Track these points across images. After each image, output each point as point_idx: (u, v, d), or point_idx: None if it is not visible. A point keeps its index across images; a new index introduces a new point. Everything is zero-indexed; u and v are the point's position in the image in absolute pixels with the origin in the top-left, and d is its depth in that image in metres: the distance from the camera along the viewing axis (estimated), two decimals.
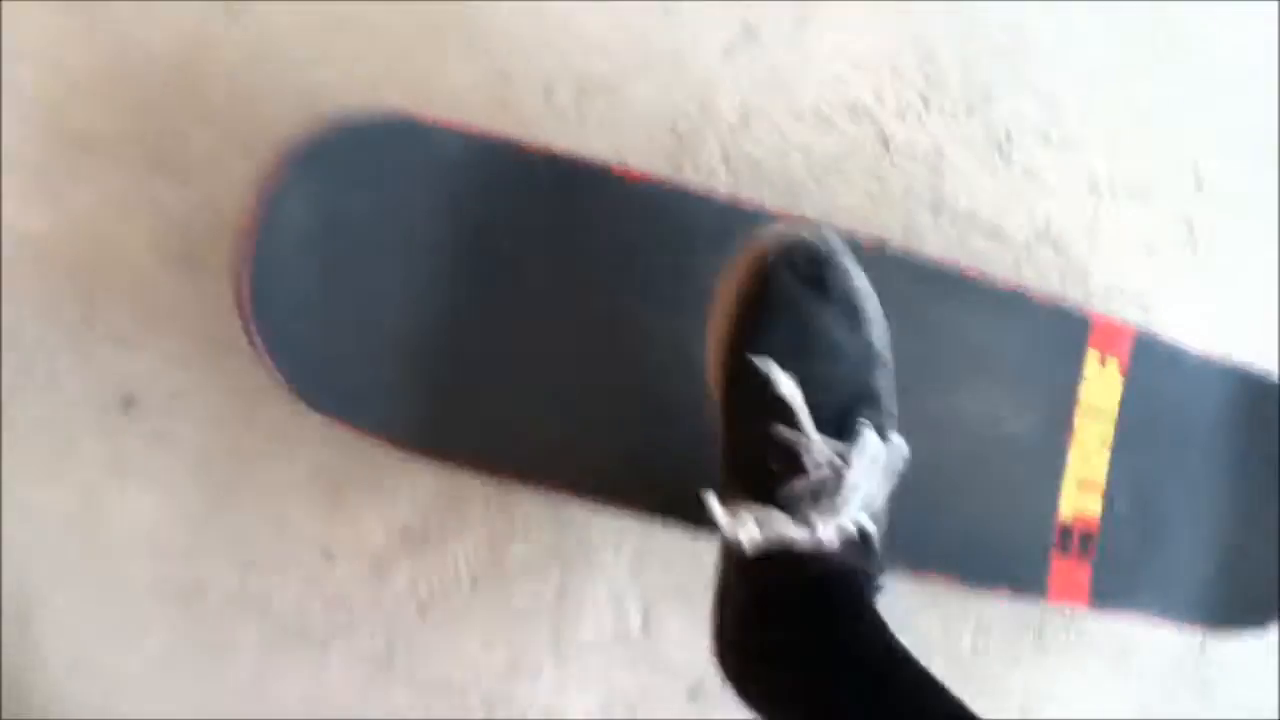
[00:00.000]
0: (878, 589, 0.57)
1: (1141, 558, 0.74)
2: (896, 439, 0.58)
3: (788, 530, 0.54)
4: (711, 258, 0.68)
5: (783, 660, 0.55)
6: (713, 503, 0.56)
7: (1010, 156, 0.83)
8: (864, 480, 0.56)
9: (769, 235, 0.62)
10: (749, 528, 0.55)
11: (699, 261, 0.69)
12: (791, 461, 0.56)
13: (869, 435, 0.56)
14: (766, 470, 0.57)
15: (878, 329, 0.62)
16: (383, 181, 0.69)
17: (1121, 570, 0.73)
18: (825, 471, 0.55)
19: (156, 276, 0.80)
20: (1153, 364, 0.73)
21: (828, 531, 0.54)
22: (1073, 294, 0.81)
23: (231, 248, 0.69)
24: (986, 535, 0.71)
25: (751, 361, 0.58)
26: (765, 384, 0.57)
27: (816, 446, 0.56)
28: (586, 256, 0.70)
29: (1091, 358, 0.73)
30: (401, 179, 0.69)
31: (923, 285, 0.71)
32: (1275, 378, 0.76)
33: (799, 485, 0.55)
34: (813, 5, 0.83)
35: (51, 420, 0.81)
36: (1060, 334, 0.72)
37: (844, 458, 0.55)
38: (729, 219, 0.70)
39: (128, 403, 0.81)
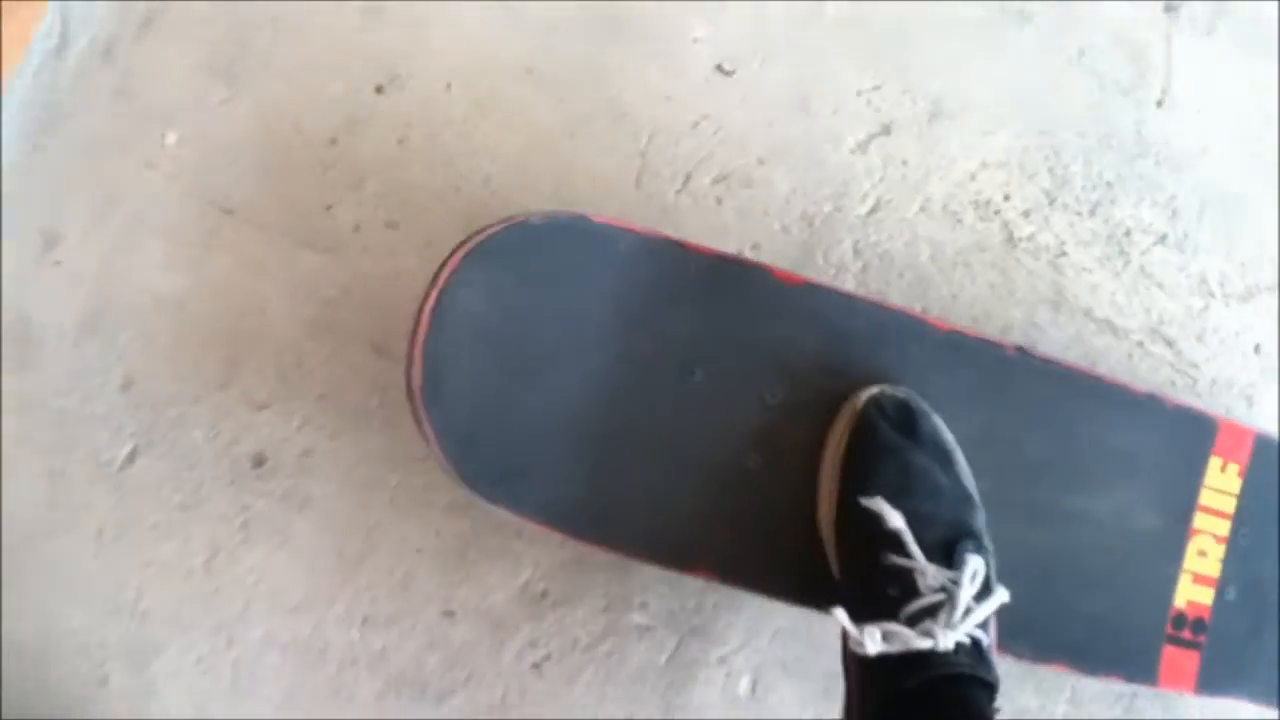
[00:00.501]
0: (994, 696, 0.61)
1: (1248, 647, 0.76)
2: (999, 589, 0.64)
3: (910, 640, 0.60)
4: (862, 357, 0.72)
5: None
6: (843, 617, 0.62)
7: (1128, 255, 0.85)
8: (970, 598, 0.62)
9: (864, 395, 0.70)
10: (875, 639, 0.60)
11: (851, 361, 0.72)
12: (907, 586, 0.62)
13: (974, 560, 0.63)
14: (887, 597, 0.63)
15: (967, 474, 0.69)
16: (554, 276, 0.71)
17: (1229, 658, 0.76)
18: (938, 594, 0.62)
19: (295, 344, 0.82)
20: (1270, 464, 0.76)
21: (946, 639, 0.60)
22: (1181, 385, 0.83)
23: (408, 335, 0.70)
24: (1107, 626, 0.74)
25: (861, 503, 0.65)
26: (877, 521, 0.64)
27: (929, 571, 0.62)
28: (739, 350, 0.72)
29: (1214, 463, 0.76)
30: (572, 275, 0.71)
31: (1062, 388, 0.74)
32: None
33: (915, 605, 0.62)
34: (945, 102, 0.84)
35: (182, 477, 0.81)
36: (1188, 438, 0.75)
37: (955, 580, 0.62)
38: (879, 320, 0.72)
39: (258, 461, 0.82)
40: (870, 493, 0.66)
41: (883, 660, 0.61)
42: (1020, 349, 0.74)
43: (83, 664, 0.81)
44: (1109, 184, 0.85)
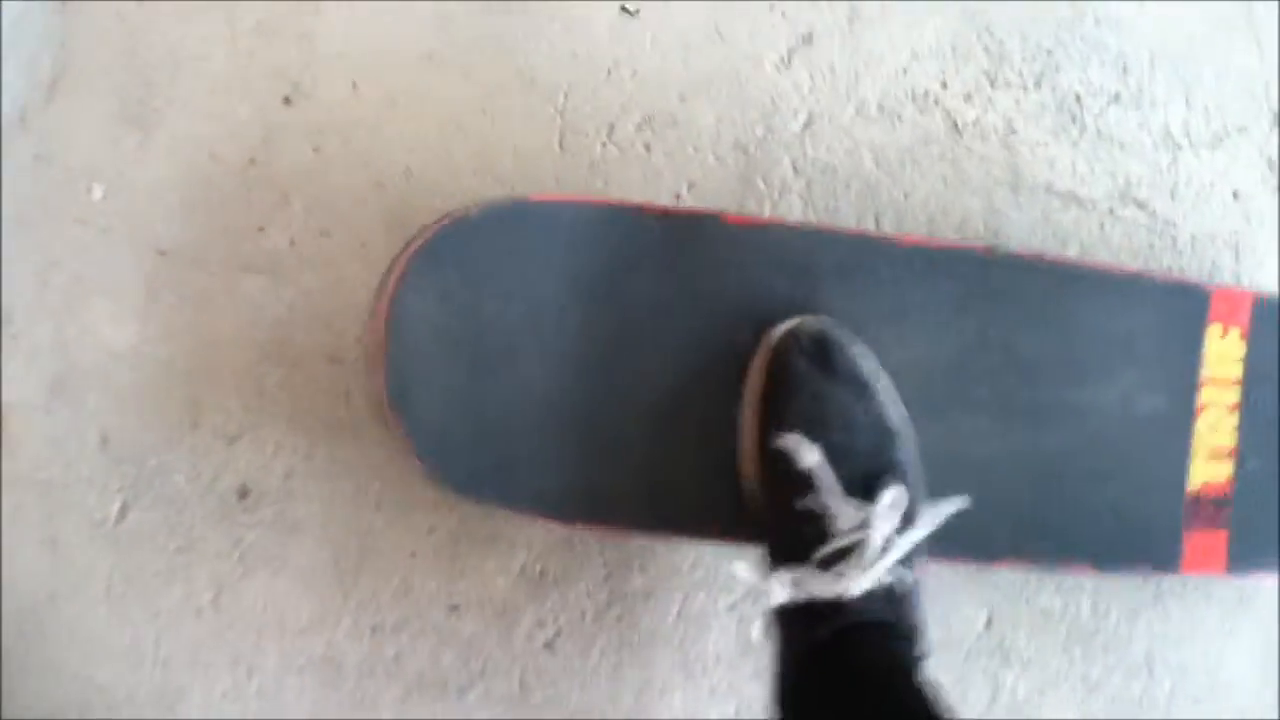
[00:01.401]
0: (911, 642, 0.58)
1: (1278, 514, 0.72)
2: (930, 509, 0.61)
3: (816, 585, 0.57)
4: (831, 288, 0.68)
5: (814, 714, 0.57)
6: (740, 567, 0.60)
7: (1083, 121, 0.79)
8: (889, 539, 0.59)
9: (778, 331, 0.67)
10: (778, 587, 0.58)
11: (820, 293, 0.68)
12: (821, 527, 0.60)
13: (891, 492, 0.59)
14: (801, 540, 0.60)
15: (891, 404, 0.66)
16: (503, 266, 0.68)
17: (1258, 532, 0.71)
18: (854, 534, 0.59)
19: (255, 370, 0.79)
20: (1272, 323, 0.71)
21: (856, 586, 0.57)
22: (1161, 246, 0.79)
23: (364, 348, 0.68)
24: (1121, 519, 0.70)
25: (777, 442, 0.62)
26: (792, 460, 0.61)
27: (843, 510, 0.59)
28: (707, 305, 0.68)
29: (1213, 332, 0.71)
30: (521, 260, 0.68)
31: (1045, 281, 0.69)
32: None
33: (828, 548, 0.59)
34: (863, 3, 0.79)
35: (172, 522, 0.80)
36: (1181, 311, 0.71)
37: (868, 519, 0.58)
38: (841, 247, 0.69)
39: (243, 493, 0.80)
40: (784, 430, 0.63)
41: (796, 610, 0.58)
42: (989, 248, 0.70)
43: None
44: (1049, 52, 0.79)
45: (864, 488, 0.60)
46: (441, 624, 0.79)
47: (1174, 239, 0.78)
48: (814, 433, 0.62)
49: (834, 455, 0.61)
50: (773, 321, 0.67)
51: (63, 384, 0.81)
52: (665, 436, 0.69)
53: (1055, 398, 0.70)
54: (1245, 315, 0.71)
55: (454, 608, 0.79)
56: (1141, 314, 0.70)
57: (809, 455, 0.61)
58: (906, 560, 0.59)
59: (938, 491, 0.64)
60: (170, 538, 0.80)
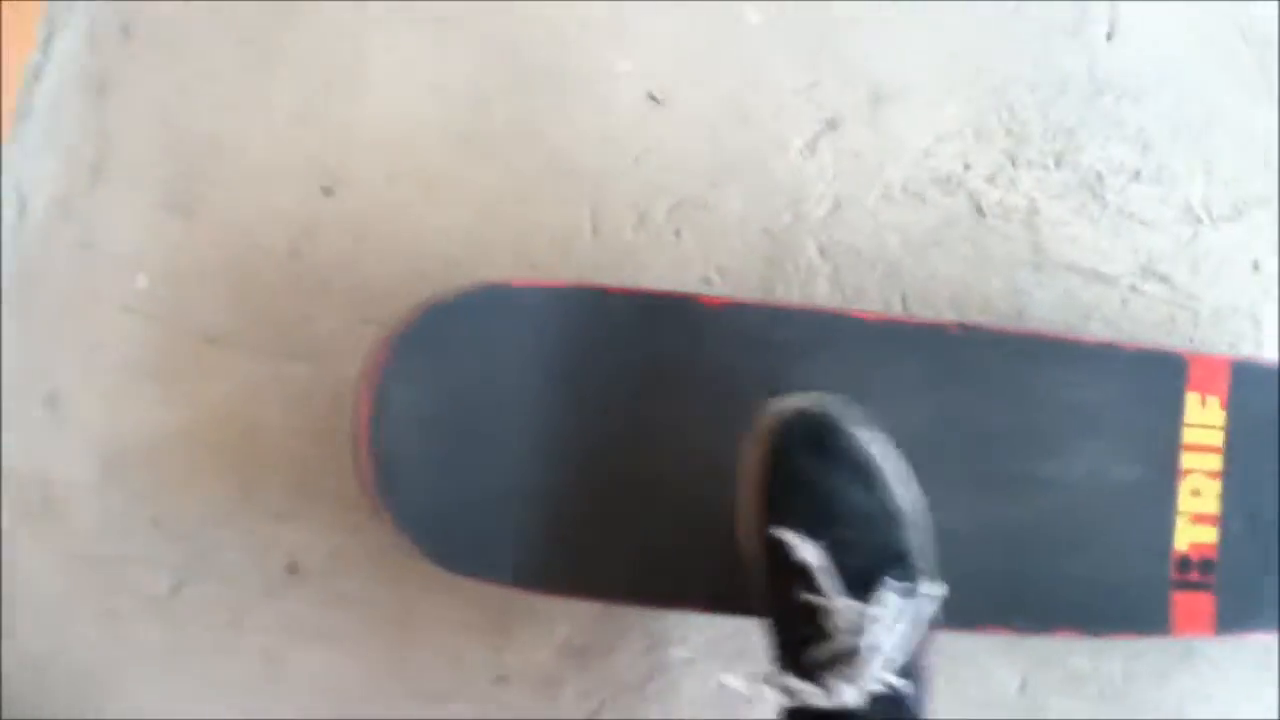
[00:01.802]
0: None
1: (1264, 579, 0.72)
2: (928, 588, 0.59)
3: (809, 698, 0.56)
4: (802, 366, 0.70)
5: None
6: (729, 678, 0.59)
7: (1104, 199, 0.80)
8: (887, 640, 0.57)
9: (773, 412, 0.64)
10: (765, 696, 0.57)
11: (792, 371, 0.69)
12: (818, 627, 0.57)
13: (888, 596, 0.57)
14: (798, 637, 0.58)
15: (894, 486, 0.63)
16: (482, 349, 0.71)
17: (1244, 593, 0.72)
18: (850, 637, 0.57)
19: (302, 453, 0.81)
20: (1252, 388, 0.71)
21: (850, 696, 0.55)
22: (1183, 319, 0.80)
23: (349, 433, 0.71)
24: (1104, 584, 0.71)
25: (771, 532, 0.60)
26: (789, 553, 0.59)
27: (839, 610, 0.57)
28: (681, 383, 0.70)
29: (1192, 400, 0.71)
30: (498, 343, 0.71)
31: (1014, 356, 0.70)
32: None
33: (823, 650, 0.57)
34: (886, 84, 0.80)
35: (223, 596, 0.83)
36: (1158, 380, 0.71)
37: (864, 621, 0.57)
38: (811, 325, 0.70)
39: (292, 569, 0.82)
40: (782, 524, 0.60)
41: (801, 712, 0.56)
42: (963, 326, 0.71)
43: None
44: (1070, 131, 0.80)
45: (865, 584, 0.58)
46: (489, 694, 0.81)
47: (1196, 312, 0.79)
48: (814, 528, 0.60)
49: (835, 550, 0.59)
50: (746, 399, 0.68)
51: (113, 464, 0.83)
52: (644, 512, 0.71)
53: (1026, 470, 0.71)
54: (1224, 382, 0.72)
55: (502, 678, 0.81)
56: (1114, 384, 0.71)
57: (804, 551, 0.59)
58: (910, 659, 0.58)
59: None
60: (222, 611, 0.82)
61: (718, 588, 0.70)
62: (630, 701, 0.80)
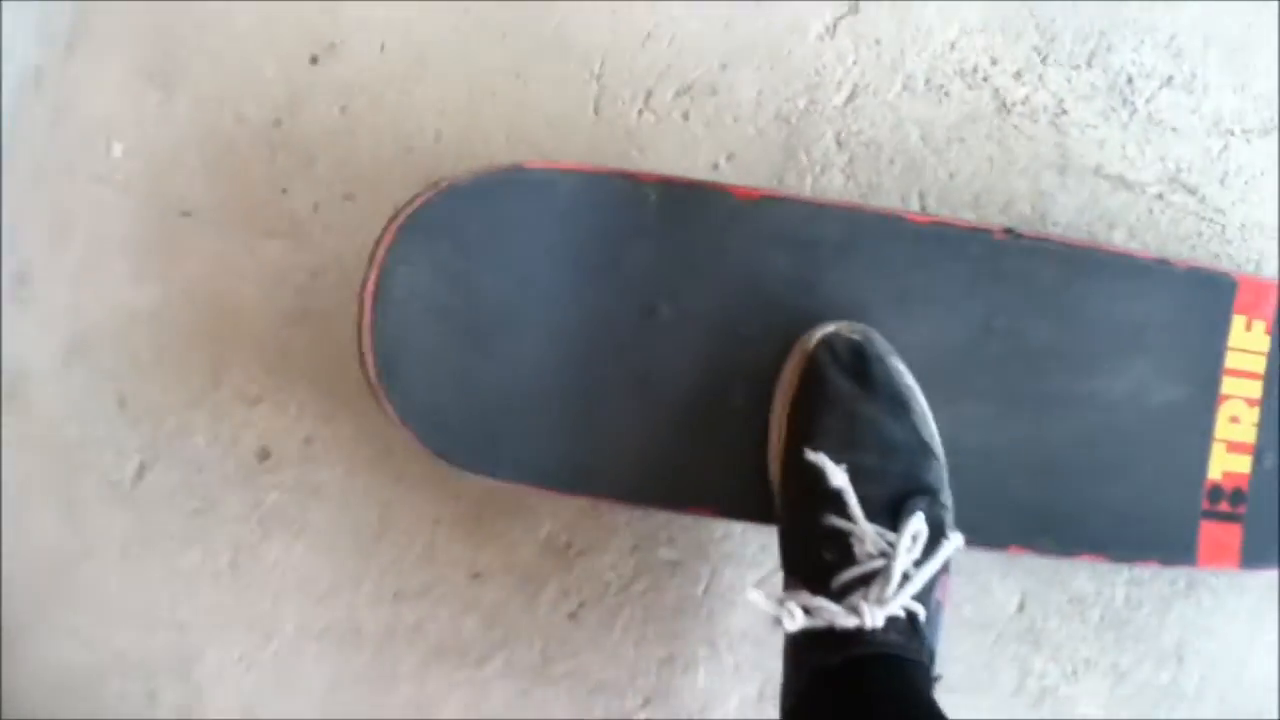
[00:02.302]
0: (926, 672, 0.56)
1: (1267, 515, 0.68)
2: (954, 534, 0.58)
3: (834, 617, 0.55)
4: (837, 268, 0.65)
5: None
6: (755, 595, 0.57)
7: (1133, 104, 0.76)
8: (909, 566, 0.56)
9: (815, 336, 0.63)
10: (795, 615, 0.55)
11: (824, 274, 0.65)
12: (844, 551, 0.57)
13: (915, 522, 0.57)
14: (823, 561, 0.57)
15: (925, 422, 0.63)
16: (495, 236, 0.65)
17: (1272, 526, 0.70)
18: (876, 560, 0.56)
19: (276, 334, 0.77)
20: None
21: (874, 618, 0.54)
22: (1209, 234, 0.76)
23: (353, 317, 0.65)
24: (1135, 510, 0.68)
25: (805, 457, 0.59)
26: (820, 477, 0.58)
27: (868, 535, 0.56)
28: (707, 281, 0.66)
29: (1238, 323, 0.67)
30: (514, 230, 0.65)
31: (1061, 266, 0.66)
32: None
33: (850, 574, 0.56)
34: None
35: (193, 483, 0.78)
36: (1205, 301, 0.67)
37: (893, 545, 0.56)
38: (849, 223, 0.65)
39: (263, 456, 0.77)
40: (814, 445, 0.59)
41: (809, 632, 0.55)
42: (1008, 230, 0.66)
43: (133, 683, 0.79)
44: (1102, 32, 0.75)
45: (891, 512, 0.58)
46: (464, 592, 0.77)
47: (1223, 226, 0.75)
48: (844, 452, 0.59)
49: (863, 477, 0.58)
50: (777, 300, 0.65)
51: (80, 344, 0.78)
52: (660, 415, 0.66)
53: (1064, 387, 0.67)
54: (1271, 308, 0.68)
55: (476, 575, 0.77)
56: (1163, 302, 0.67)
57: (837, 477, 0.58)
58: (927, 589, 0.57)
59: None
60: (188, 499, 0.78)
61: (731, 496, 0.67)
62: (612, 602, 0.77)
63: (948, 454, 0.65)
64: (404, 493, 0.77)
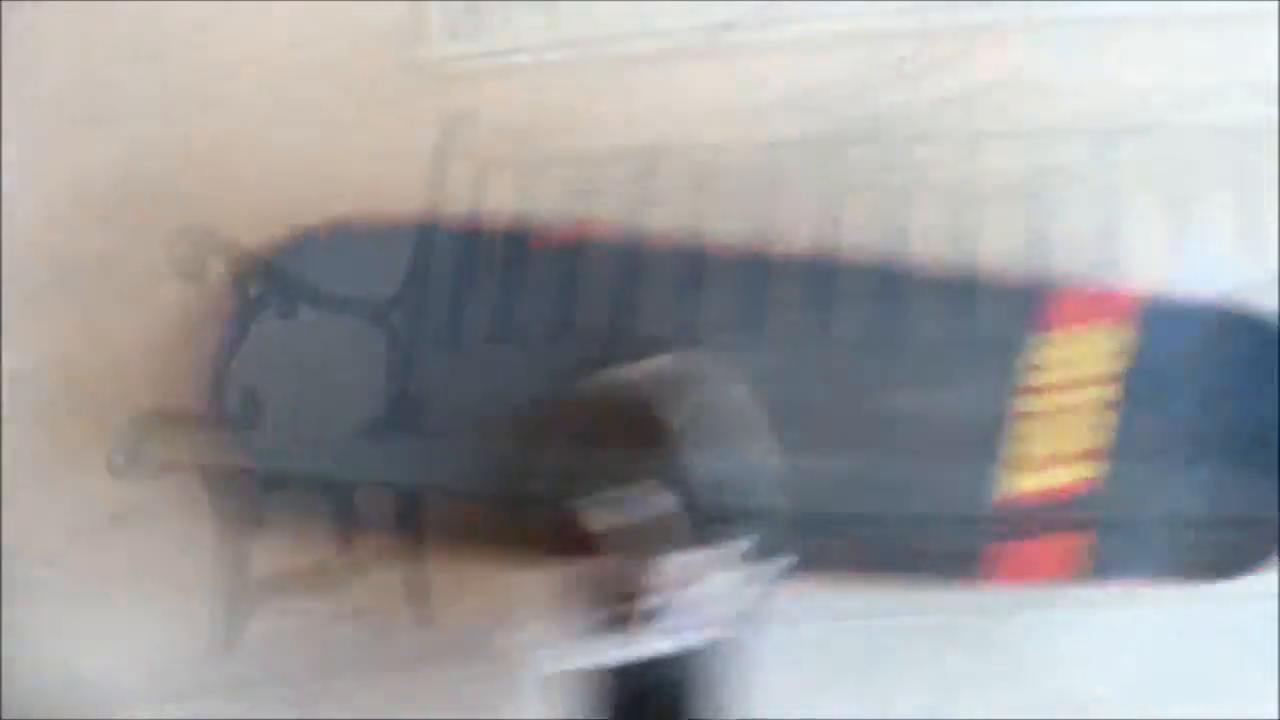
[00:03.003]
0: (711, 703, 0.57)
1: (1128, 523, 0.69)
2: (771, 551, 0.60)
3: (604, 654, 0.55)
4: (654, 304, 0.68)
5: None
6: (516, 635, 0.59)
7: None
8: (708, 598, 0.57)
9: (626, 371, 0.65)
10: (556, 659, 0.56)
11: (645, 309, 0.68)
12: (640, 581, 0.57)
13: (725, 551, 0.58)
14: (613, 594, 0.58)
15: (752, 445, 0.64)
16: (321, 289, 0.71)
17: (1109, 537, 0.70)
18: (672, 590, 0.57)
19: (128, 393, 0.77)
20: (1112, 321, 0.69)
21: (660, 647, 0.55)
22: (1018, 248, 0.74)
23: (192, 373, 0.70)
24: (937, 530, 0.69)
25: (605, 489, 0.59)
26: (617, 512, 0.59)
27: (668, 566, 0.57)
28: (527, 323, 0.69)
29: (1046, 337, 0.69)
30: (339, 283, 0.70)
31: (869, 286, 0.69)
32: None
33: (644, 604, 0.57)
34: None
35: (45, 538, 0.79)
36: (1011, 314, 0.69)
37: (691, 574, 0.57)
38: (660, 258, 0.68)
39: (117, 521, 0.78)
40: (618, 481, 0.60)
41: (592, 670, 0.56)
42: (815, 252, 0.69)
43: None
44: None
45: (705, 537, 0.59)
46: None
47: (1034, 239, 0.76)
48: (658, 483, 0.60)
49: (678, 503, 0.59)
50: (586, 342, 0.67)
51: None
52: (468, 463, 0.69)
53: (873, 407, 0.69)
54: (1093, 314, 0.69)
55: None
56: (964, 317, 0.69)
57: (647, 506, 0.59)
58: (740, 612, 0.58)
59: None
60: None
61: (525, 540, 0.67)
62: None
63: (759, 481, 0.66)
64: None
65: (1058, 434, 0.69)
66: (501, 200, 0.75)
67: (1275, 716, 0.76)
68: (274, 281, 0.70)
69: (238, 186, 0.77)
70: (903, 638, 0.75)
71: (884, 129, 0.76)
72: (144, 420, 0.73)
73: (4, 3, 0.79)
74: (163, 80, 0.79)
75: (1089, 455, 0.69)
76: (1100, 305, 0.69)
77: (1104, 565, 0.70)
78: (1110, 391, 0.69)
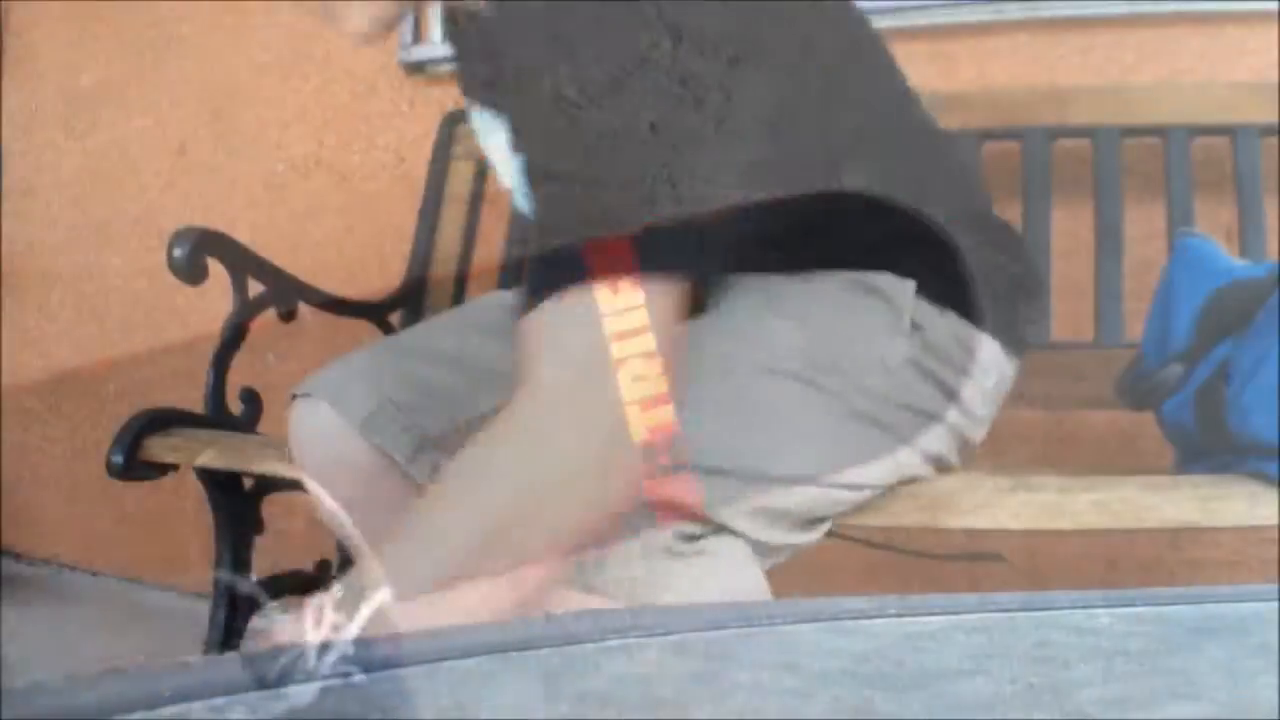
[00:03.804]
0: None
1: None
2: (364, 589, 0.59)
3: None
4: None
5: None
6: None
7: None
8: (324, 639, 0.56)
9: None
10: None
11: None
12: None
13: (319, 602, 0.56)
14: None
15: None
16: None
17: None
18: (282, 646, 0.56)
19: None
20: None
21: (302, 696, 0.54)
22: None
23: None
24: None
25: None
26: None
27: (276, 623, 0.56)
28: None
29: (602, 290, 0.59)
30: None
31: None
32: None
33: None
34: None
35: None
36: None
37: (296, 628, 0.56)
38: None
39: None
40: None
41: None
42: None
43: None
44: None
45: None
46: None
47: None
48: None
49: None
50: None
51: None
52: None
53: None
54: (625, 265, 0.65)
55: None
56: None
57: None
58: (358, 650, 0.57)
59: None
60: None
61: None
62: None
63: None
64: None
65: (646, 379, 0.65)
66: (501, 200, 0.74)
67: (1275, 717, 0.75)
68: (274, 281, 0.68)
69: (238, 187, 0.77)
70: None
71: None
72: (144, 420, 0.73)
73: (4, 2, 0.79)
74: (163, 79, 0.79)
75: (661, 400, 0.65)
76: (612, 261, 0.63)
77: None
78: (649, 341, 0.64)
